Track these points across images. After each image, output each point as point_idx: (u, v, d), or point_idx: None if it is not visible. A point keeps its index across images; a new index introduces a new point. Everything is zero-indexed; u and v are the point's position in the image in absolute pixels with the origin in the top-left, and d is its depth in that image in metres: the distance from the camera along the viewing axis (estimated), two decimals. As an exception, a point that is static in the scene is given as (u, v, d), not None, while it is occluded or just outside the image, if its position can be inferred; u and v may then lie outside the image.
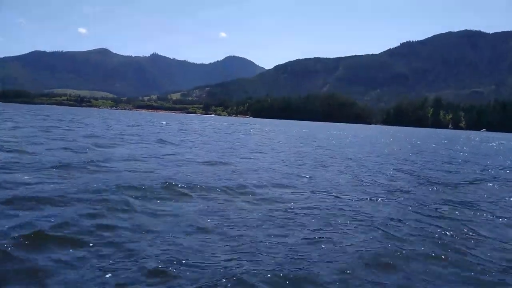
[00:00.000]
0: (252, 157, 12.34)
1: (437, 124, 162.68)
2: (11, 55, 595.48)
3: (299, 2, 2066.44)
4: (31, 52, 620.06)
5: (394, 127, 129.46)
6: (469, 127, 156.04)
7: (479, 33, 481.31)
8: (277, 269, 3.37)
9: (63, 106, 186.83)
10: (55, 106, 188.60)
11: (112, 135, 18.46)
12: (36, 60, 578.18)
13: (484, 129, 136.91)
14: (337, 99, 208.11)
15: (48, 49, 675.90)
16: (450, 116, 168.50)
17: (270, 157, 12.73)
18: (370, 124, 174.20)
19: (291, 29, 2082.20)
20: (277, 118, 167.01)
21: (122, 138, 16.76)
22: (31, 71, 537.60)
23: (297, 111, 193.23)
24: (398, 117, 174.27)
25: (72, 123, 27.23)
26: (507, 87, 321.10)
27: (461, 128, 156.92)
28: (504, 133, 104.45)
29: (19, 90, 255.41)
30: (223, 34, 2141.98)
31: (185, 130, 29.01)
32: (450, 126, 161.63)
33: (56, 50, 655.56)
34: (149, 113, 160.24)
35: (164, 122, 43.08)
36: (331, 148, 19.22)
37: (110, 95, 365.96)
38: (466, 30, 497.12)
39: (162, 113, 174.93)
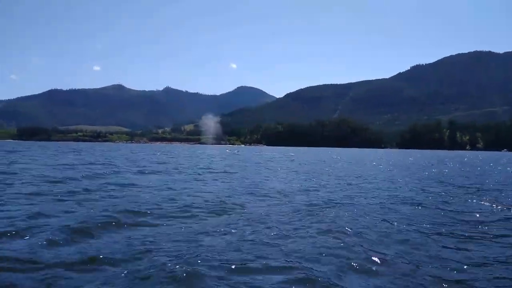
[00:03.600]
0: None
1: (454, 146, 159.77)
2: (28, 94, 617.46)
3: (308, 31, 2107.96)
4: (48, 91, 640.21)
5: (415, 150, 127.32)
6: (487, 147, 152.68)
7: (489, 53, 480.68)
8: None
9: (81, 142, 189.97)
10: (71, 142, 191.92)
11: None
12: (53, 98, 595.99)
13: (505, 149, 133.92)
14: (350, 124, 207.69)
15: (65, 87, 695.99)
16: (467, 137, 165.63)
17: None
18: (384, 148, 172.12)
19: (300, 57, 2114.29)
20: (290, 145, 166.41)
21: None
22: (48, 109, 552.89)
23: (309, 138, 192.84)
24: (413, 140, 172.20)
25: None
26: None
27: (479, 149, 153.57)
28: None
29: (36, 127, 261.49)
30: (233, 66, 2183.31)
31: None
32: (467, 147, 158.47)
33: (72, 88, 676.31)
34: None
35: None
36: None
37: (124, 129, 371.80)
38: (476, 51, 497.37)
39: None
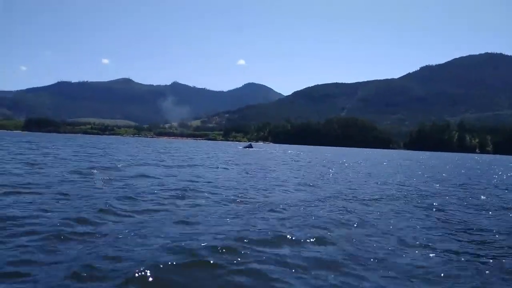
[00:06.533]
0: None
1: (463, 148, 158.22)
2: (37, 86, 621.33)
3: (317, 28, 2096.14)
4: (57, 83, 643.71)
5: (425, 152, 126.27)
6: (497, 151, 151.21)
7: (500, 56, 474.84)
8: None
9: (89, 135, 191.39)
10: (79, 134, 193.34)
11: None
12: (62, 91, 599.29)
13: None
14: (357, 123, 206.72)
15: (73, 79, 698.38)
16: (477, 140, 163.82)
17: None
18: (391, 148, 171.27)
19: (309, 55, 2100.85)
20: (298, 144, 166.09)
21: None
22: (57, 101, 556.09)
23: (317, 136, 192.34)
24: (420, 141, 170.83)
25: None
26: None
27: (488, 152, 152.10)
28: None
29: (45, 119, 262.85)
30: (241, 62, 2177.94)
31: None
32: (477, 150, 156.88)
33: (81, 81, 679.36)
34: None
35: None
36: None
37: (132, 123, 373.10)
38: (487, 52, 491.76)
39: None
